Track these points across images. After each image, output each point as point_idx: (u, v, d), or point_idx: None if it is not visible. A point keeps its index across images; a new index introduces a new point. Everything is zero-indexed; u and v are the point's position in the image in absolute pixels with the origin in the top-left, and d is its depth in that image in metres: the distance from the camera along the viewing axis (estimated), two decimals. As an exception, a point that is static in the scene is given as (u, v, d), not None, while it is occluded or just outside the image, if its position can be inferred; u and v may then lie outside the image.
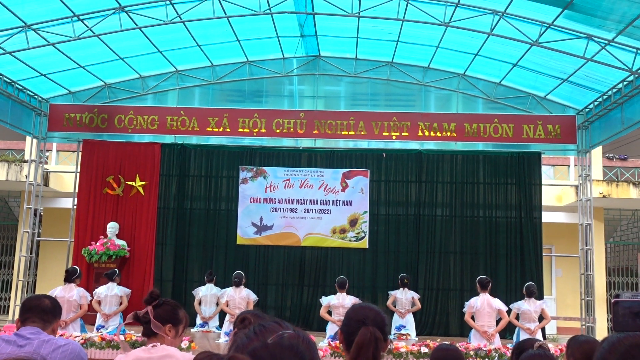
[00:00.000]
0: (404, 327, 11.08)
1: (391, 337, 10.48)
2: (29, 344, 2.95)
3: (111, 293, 10.36)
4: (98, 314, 10.38)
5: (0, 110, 11.94)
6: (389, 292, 11.57)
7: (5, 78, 11.87)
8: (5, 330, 2.99)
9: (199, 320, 11.41)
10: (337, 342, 6.37)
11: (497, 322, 9.41)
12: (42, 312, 3.10)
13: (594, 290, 12.59)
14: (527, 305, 9.70)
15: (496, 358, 7.87)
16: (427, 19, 10.20)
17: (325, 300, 10.21)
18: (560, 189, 15.14)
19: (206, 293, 11.40)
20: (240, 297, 10.61)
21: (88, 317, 11.16)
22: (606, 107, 11.69)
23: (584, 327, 12.35)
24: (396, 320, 11.19)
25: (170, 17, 10.34)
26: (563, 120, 12.86)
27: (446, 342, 4.05)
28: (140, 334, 3.64)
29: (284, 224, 12.79)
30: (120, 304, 10.42)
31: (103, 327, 10.06)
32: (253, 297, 10.74)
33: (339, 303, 9.96)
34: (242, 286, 10.78)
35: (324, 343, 9.00)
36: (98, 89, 13.38)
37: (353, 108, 13.42)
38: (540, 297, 11.99)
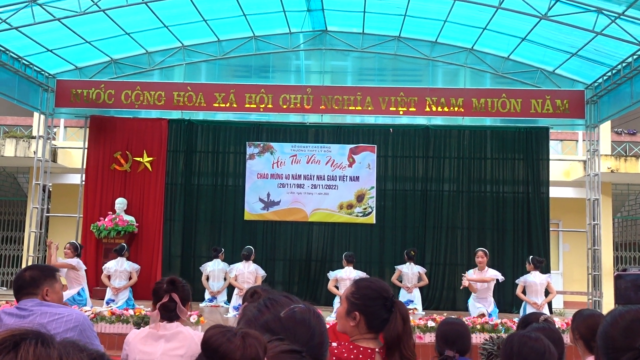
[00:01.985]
0: (412, 301, 11.17)
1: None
2: (32, 314, 2.99)
3: (120, 268, 10.48)
4: (107, 288, 10.50)
5: (7, 86, 11.96)
6: (395, 266, 11.64)
7: (11, 54, 11.86)
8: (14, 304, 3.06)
9: (207, 295, 11.55)
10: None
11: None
12: (22, 287, 3.12)
13: (601, 264, 12.61)
14: (532, 278, 9.77)
15: (503, 331, 7.93)
16: (435, -7, 10.10)
17: (332, 274, 10.32)
18: (568, 164, 15.10)
19: (214, 268, 11.52)
20: (249, 272, 10.72)
21: (98, 292, 11.32)
22: (615, 82, 11.60)
23: (590, 301, 12.40)
24: (403, 295, 11.28)
25: (176, -8, 10.28)
26: (571, 94, 12.77)
27: (452, 316, 4.09)
28: (149, 309, 3.68)
29: (291, 200, 12.83)
30: (130, 278, 10.54)
31: (113, 301, 10.18)
32: (261, 272, 10.86)
33: (346, 276, 10.05)
34: (251, 261, 10.89)
35: (331, 317, 9.08)
36: (104, 64, 13.36)
37: (360, 83, 13.36)
38: (547, 271, 12.05)
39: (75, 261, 9.55)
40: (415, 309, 11.03)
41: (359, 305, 2.38)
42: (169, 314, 3.27)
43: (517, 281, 10.03)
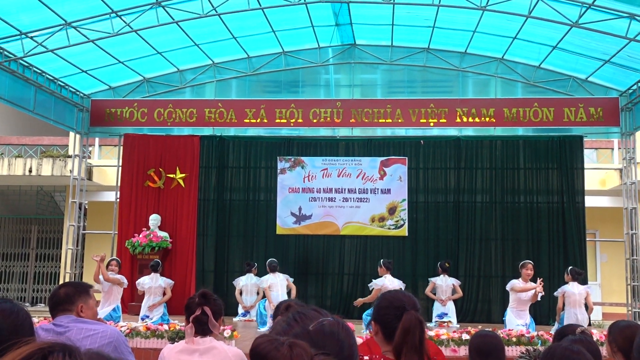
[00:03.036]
0: (446, 314, 11.05)
1: (432, 324, 10.49)
2: (68, 330, 3.03)
3: (155, 284, 10.60)
4: (142, 304, 10.62)
5: (44, 107, 12.24)
6: (429, 279, 11.54)
7: (48, 75, 12.15)
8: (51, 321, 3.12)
9: (240, 310, 11.59)
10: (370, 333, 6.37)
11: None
12: (58, 304, 3.15)
13: (641, 275, 12.34)
14: (570, 288, 9.60)
15: (539, 344, 7.79)
16: (463, 3, 10.07)
17: (378, 283, 10.10)
18: (604, 173, 14.84)
19: (246, 282, 11.57)
20: (280, 281, 10.76)
21: (133, 308, 11.45)
22: (650, 88, 11.40)
23: (630, 312, 12.13)
24: (437, 308, 11.17)
25: (206, 11, 10.43)
26: (605, 102, 12.58)
27: (486, 329, 4.05)
28: (183, 324, 3.71)
29: (322, 213, 12.84)
30: (164, 294, 10.65)
31: (147, 317, 10.28)
32: (290, 278, 10.99)
33: (391, 284, 9.91)
34: (277, 272, 10.93)
35: (366, 331, 9.03)
36: (137, 83, 13.60)
37: (390, 96, 13.36)
38: (584, 282, 11.82)
39: (121, 277, 9.78)
40: (450, 321, 10.91)
41: (375, 315, 2.42)
42: (202, 327, 3.29)
43: (555, 293, 9.85)
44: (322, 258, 12.96)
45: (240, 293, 11.60)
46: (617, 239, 13.55)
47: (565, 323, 8.83)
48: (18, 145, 17.08)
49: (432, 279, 11.39)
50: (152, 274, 10.69)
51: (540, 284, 9.28)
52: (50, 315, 3.25)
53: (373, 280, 10.34)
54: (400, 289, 9.80)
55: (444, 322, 10.81)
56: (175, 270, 12.64)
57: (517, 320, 9.43)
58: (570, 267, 10.11)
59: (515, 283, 9.70)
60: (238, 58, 13.47)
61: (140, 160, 13.27)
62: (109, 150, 16.56)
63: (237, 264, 12.79)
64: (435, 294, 11.27)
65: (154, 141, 13.35)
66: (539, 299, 9.56)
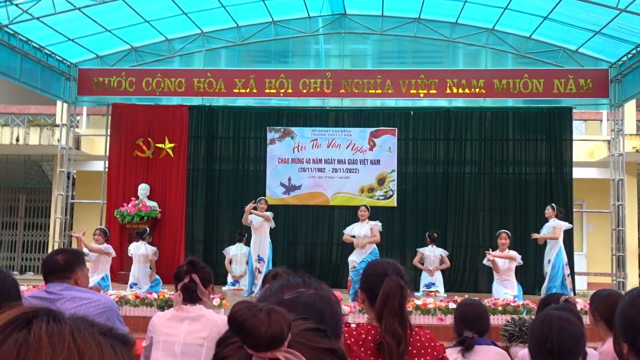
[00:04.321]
0: (433, 284, 11.17)
1: (419, 294, 10.61)
2: (61, 298, 3.03)
3: (138, 252, 10.51)
4: (130, 273, 10.61)
5: (30, 76, 12.11)
6: (417, 249, 11.64)
7: (34, 43, 11.99)
8: (41, 288, 3.12)
9: (230, 279, 11.66)
10: (358, 302, 6.46)
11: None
12: (55, 270, 3.13)
13: (626, 245, 12.48)
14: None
15: (525, 312, 7.91)
16: (454, -27, 9.99)
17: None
18: (592, 144, 14.91)
19: (236, 252, 11.64)
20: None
21: (122, 277, 11.48)
22: (640, 60, 11.41)
23: (614, 282, 12.30)
24: (425, 278, 11.29)
25: (194, -22, 10.30)
26: (595, 73, 12.59)
27: (471, 297, 4.10)
28: (172, 293, 3.74)
29: (312, 184, 12.87)
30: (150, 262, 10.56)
31: (135, 284, 10.30)
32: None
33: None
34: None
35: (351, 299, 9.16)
36: (125, 52, 13.46)
37: (380, 66, 13.30)
38: (570, 252, 11.99)
39: (107, 246, 9.74)
40: (437, 291, 11.04)
41: (362, 283, 2.47)
42: (191, 295, 3.32)
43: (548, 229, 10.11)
44: (311, 228, 13.02)
45: (230, 262, 11.67)
46: (603, 210, 13.67)
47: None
48: (5, 114, 16.92)
49: (420, 249, 11.49)
50: (139, 241, 10.66)
51: (487, 253, 9.54)
52: (39, 283, 3.24)
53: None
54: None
55: (432, 291, 10.93)
56: (164, 239, 12.67)
57: (503, 289, 9.54)
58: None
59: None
60: (227, 27, 13.33)
61: (129, 130, 13.20)
62: (97, 119, 16.45)
63: (226, 234, 12.84)
64: (423, 264, 11.38)
65: (143, 111, 13.27)
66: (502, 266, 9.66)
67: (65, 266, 3.14)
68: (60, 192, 13.33)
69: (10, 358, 0.70)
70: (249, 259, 10.69)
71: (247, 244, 11.61)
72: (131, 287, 10.13)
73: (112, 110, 13.36)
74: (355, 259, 9.83)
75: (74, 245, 14.24)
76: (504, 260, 9.57)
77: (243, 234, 11.70)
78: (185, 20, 12.63)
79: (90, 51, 13.16)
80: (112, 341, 0.78)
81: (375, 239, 10.02)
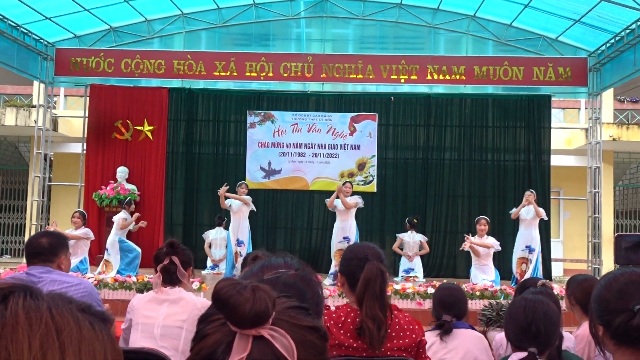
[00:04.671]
0: (412, 269, 11.25)
1: (398, 279, 10.68)
2: (41, 281, 3.01)
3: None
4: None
5: (6, 55, 11.90)
6: (396, 234, 11.70)
7: (10, 21, 11.78)
8: (19, 270, 3.07)
9: (209, 263, 11.66)
10: (337, 285, 6.50)
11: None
12: (40, 253, 3.11)
13: (602, 232, 12.67)
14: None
15: (502, 297, 8.01)
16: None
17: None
18: (570, 132, 15.06)
19: (216, 236, 11.63)
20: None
21: (101, 260, 11.37)
22: (618, 49, 11.50)
23: (590, 269, 12.48)
24: (404, 263, 11.36)
25: (175, -42, 10.16)
26: (574, 62, 12.68)
27: (449, 282, 4.13)
28: (151, 276, 3.72)
29: (292, 168, 12.85)
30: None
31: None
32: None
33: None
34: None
35: (327, 281, 9.23)
36: (104, 32, 13.27)
37: (361, 51, 13.27)
38: (547, 239, 12.14)
39: (85, 231, 9.65)
40: (416, 276, 11.12)
41: (341, 267, 2.49)
42: (170, 277, 3.31)
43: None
44: (291, 213, 13.02)
45: (210, 246, 11.65)
46: (580, 197, 13.84)
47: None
48: (-20, 94, 16.63)
49: (400, 235, 11.55)
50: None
51: (467, 238, 9.70)
52: (16, 266, 3.21)
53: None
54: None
55: (411, 277, 11.01)
56: (143, 223, 12.56)
57: (481, 275, 9.65)
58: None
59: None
60: (208, 9, 13.19)
61: (107, 112, 13.05)
62: (75, 100, 16.25)
63: (206, 218, 12.79)
64: (402, 250, 11.44)
65: (121, 92, 13.12)
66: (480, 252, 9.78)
67: (50, 249, 3.12)
68: (37, 174, 13.17)
69: None
70: (228, 243, 10.65)
71: (227, 228, 11.60)
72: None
73: (90, 92, 13.19)
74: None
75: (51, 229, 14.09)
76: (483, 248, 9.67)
77: (222, 218, 11.67)
78: (166, 1, 12.48)
79: (68, 31, 12.95)
80: (91, 318, 0.77)
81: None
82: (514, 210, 10.43)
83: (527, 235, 10.28)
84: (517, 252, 10.31)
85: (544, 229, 12.17)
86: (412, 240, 11.38)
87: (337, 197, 10.13)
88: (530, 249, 10.21)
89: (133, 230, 10.52)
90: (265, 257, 2.28)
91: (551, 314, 2.53)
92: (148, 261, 10.11)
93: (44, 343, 0.70)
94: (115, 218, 10.33)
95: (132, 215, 10.35)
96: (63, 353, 0.71)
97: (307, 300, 1.39)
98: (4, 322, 0.70)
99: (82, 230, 9.66)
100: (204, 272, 11.31)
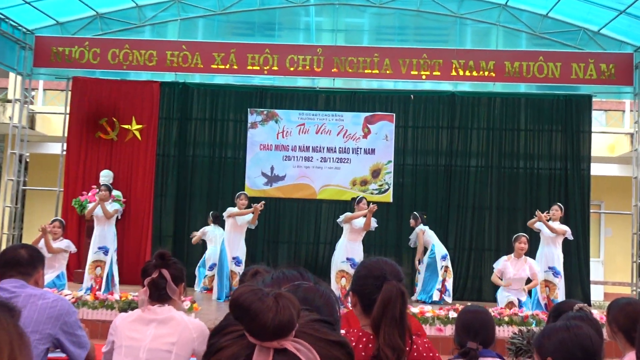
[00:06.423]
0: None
1: (423, 297, 10.66)
2: (15, 296, 3.02)
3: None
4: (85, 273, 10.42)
5: (-21, 43, 12.00)
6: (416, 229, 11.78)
7: (-16, 6, 11.88)
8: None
9: (201, 273, 11.94)
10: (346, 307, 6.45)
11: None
12: (18, 265, 3.13)
13: (648, 252, 12.61)
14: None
15: (533, 324, 7.96)
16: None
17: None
18: (613, 138, 15.01)
19: (215, 233, 11.80)
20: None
21: (79, 275, 11.39)
22: (669, 44, 11.48)
23: (635, 292, 12.41)
24: (440, 251, 11.53)
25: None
26: (619, 58, 12.64)
27: (475, 304, 4.10)
28: (136, 294, 3.72)
29: (297, 174, 12.86)
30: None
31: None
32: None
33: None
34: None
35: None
36: (89, 19, 13.34)
37: (377, 43, 13.30)
38: (586, 259, 12.09)
39: (68, 244, 9.62)
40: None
41: (353, 284, 2.46)
42: (159, 293, 3.27)
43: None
44: (295, 225, 13.02)
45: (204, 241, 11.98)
46: (624, 211, 13.77)
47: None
48: (-51, 86, 16.75)
49: (422, 228, 11.63)
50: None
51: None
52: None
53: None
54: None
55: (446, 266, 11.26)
56: (128, 234, 12.57)
57: (505, 292, 9.48)
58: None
59: (502, 262, 9.70)
60: (206, -6, 13.27)
61: (91, 108, 13.10)
62: (55, 95, 16.33)
63: (199, 228, 12.78)
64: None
65: (108, 86, 13.18)
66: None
67: (29, 262, 3.15)
68: (11, 177, 13.23)
69: None
70: (223, 260, 10.56)
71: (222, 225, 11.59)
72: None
73: (72, 85, 13.25)
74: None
75: (24, 240, 14.17)
76: (518, 270, 9.48)
77: (217, 216, 11.71)
78: (158, -15, 12.56)
79: (49, 17, 13.02)
80: None
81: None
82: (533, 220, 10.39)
83: (549, 255, 10.21)
84: (539, 273, 10.21)
85: (583, 247, 12.13)
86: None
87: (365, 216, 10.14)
88: (555, 272, 10.13)
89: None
90: (267, 273, 2.27)
91: (596, 342, 2.50)
92: (133, 278, 10.15)
93: None
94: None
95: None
96: None
97: (323, 315, 1.40)
98: None
99: (64, 243, 9.64)
100: (197, 290, 11.34)
